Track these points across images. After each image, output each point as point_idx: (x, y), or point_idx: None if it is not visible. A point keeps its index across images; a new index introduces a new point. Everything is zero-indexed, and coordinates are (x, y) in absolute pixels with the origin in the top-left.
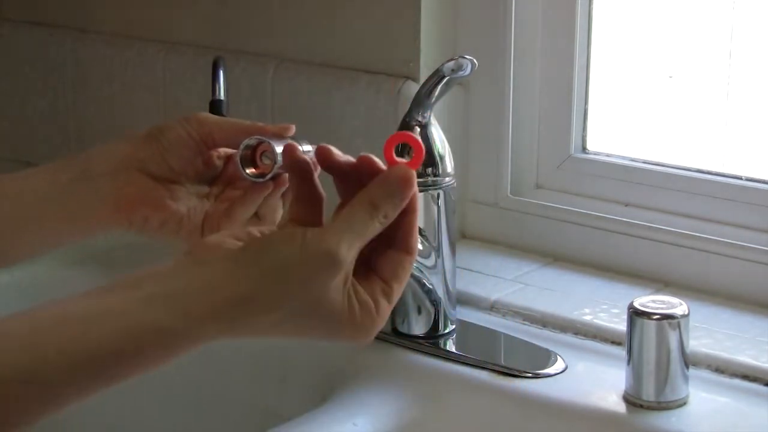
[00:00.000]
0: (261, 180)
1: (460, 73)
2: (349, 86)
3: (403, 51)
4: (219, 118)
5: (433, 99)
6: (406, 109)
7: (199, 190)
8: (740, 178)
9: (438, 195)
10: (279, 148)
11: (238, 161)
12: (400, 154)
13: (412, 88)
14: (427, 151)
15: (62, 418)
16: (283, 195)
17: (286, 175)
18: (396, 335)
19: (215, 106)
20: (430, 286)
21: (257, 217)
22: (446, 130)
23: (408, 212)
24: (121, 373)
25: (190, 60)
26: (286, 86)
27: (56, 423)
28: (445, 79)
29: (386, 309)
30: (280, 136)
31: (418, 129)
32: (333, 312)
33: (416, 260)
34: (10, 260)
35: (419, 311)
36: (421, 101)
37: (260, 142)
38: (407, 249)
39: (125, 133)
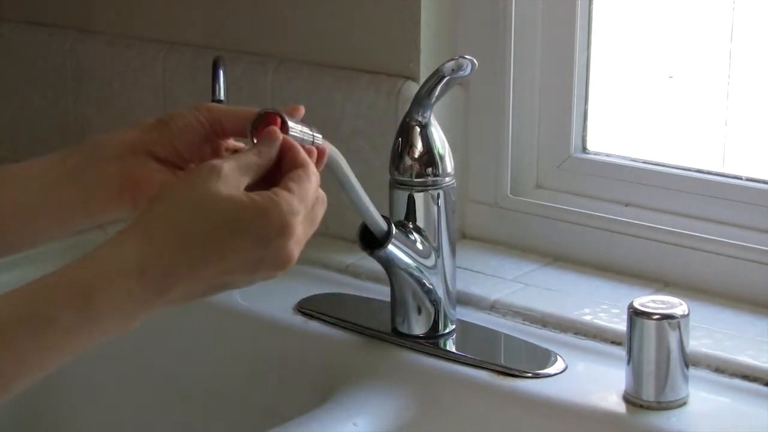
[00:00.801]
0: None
1: (460, 73)
2: (349, 86)
3: (403, 51)
4: (228, 107)
5: (433, 99)
6: (406, 109)
7: None
8: (740, 178)
9: (438, 195)
10: (293, 125)
11: (249, 127)
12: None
13: (412, 88)
14: (427, 151)
15: (62, 418)
16: None
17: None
18: (396, 335)
19: None
20: (430, 286)
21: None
22: (446, 130)
23: (287, 150)
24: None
25: (190, 60)
26: (286, 86)
27: (56, 423)
28: (445, 79)
29: (287, 197)
30: (290, 116)
31: (418, 129)
32: (232, 205)
33: (416, 260)
34: (17, 248)
35: (419, 311)
36: (421, 101)
37: (272, 113)
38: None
39: (136, 121)
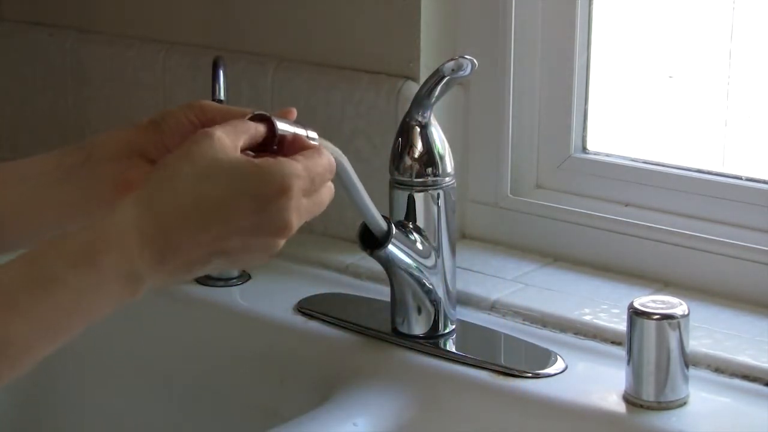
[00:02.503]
0: (263, 149)
1: (460, 73)
2: (349, 86)
3: (403, 51)
4: (221, 106)
5: (433, 99)
6: (406, 109)
7: None
8: (740, 178)
9: (438, 195)
10: (282, 126)
11: None
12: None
13: (412, 88)
14: (427, 151)
15: (62, 418)
16: None
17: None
18: (396, 335)
19: None
20: (430, 286)
21: None
22: (446, 130)
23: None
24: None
25: (190, 60)
26: (286, 86)
27: (56, 423)
28: (445, 79)
29: (291, 162)
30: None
31: (418, 129)
32: (229, 166)
33: (416, 260)
34: (12, 246)
35: (419, 311)
36: (421, 101)
37: (263, 117)
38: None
39: (131, 122)
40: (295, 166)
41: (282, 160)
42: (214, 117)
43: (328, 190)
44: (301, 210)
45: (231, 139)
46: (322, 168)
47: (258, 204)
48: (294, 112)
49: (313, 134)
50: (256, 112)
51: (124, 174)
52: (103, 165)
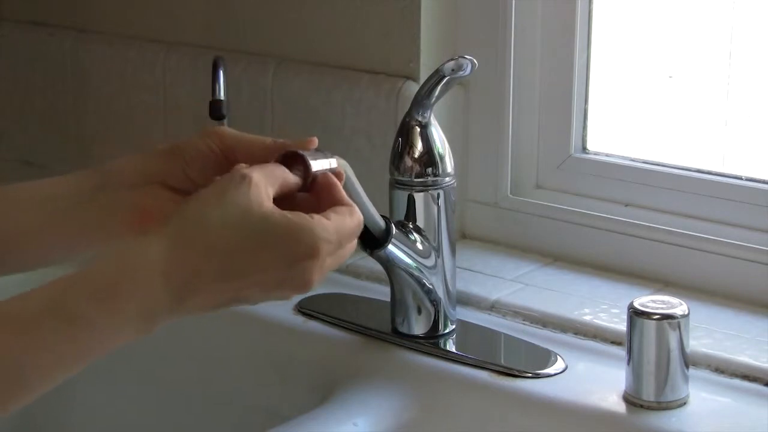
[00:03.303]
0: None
1: (460, 73)
2: (349, 86)
3: (403, 51)
4: (239, 134)
5: (433, 99)
6: (406, 109)
7: None
8: (740, 178)
9: (438, 195)
10: (315, 165)
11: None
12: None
13: (412, 88)
14: (427, 151)
15: (62, 418)
16: None
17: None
18: (396, 335)
19: (215, 106)
20: (430, 286)
21: None
22: (446, 130)
23: (331, 187)
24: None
25: (190, 60)
26: (286, 86)
27: (56, 423)
28: (445, 79)
29: (324, 222)
30: (304, 150)
31: (418, 129)
32: (263, 220)
33: (416, 260)
34: (26, 266)
35: (419, 311)
36: (421, 101)
37: (294, 155)
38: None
39: (145, 147)
40: (326, 230)
41: (314, 221)
42: (233, 145)
43: (351, 247)
44: (324, 268)
45: (265, 187)
46: (350, 230)
47: (285, 262)
48: (315, 141)
49: (333, 159)
50: (289, 150)
51: (142, 202)
52: (122, 192)
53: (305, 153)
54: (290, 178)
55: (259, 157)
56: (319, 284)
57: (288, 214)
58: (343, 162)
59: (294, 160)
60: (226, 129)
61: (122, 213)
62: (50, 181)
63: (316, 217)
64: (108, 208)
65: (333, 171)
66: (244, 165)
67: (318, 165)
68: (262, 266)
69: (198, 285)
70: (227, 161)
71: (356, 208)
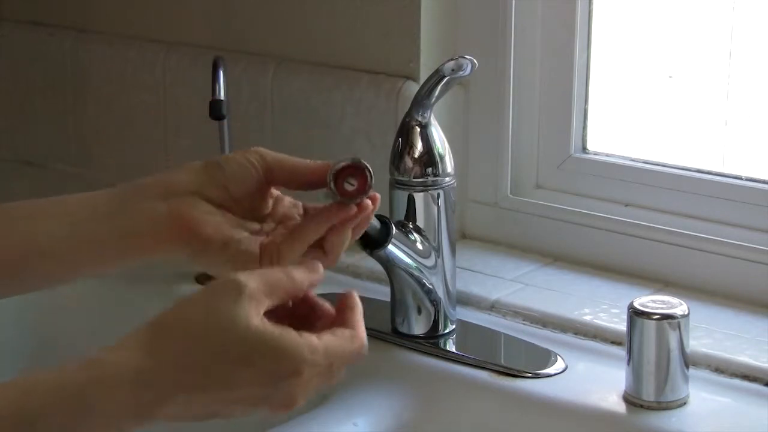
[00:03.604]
0: (353, 200)
1: (460, 73)
2: (349, 86)
3: (403, 51)
4: (279, 155)
5: (433, 99)
6: (406, 109)
7: (251, 226)
8: (740, 178)
9: (438, 195)
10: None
11: (331, 180)
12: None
13: (412, 88)
14: (427, 151)
15: None
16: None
17: (369, 202)
18: (396, 335)
19: (215, 106)
20: (430, 286)
21: (322, 249)
22: (446, 130)
23: (346, 308)
24: None
25: (190, 60)
26: (286, 86)
27: None
28: (445, 79)
29: (313, 344)
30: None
31: (418, 129)
32: (247, 335)
33: (416, 260)
34: (56, 281)
35: (419, 311)
36: (421, 101)
37: (351, 165)
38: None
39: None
40: (314, 351)
41: (301, 342)
42: (273, 166)
43: (343, 370)
44: (310, 388)
45: (260, 300)
46: (346, 354)
47: (266, 381)
48: (378, 198)
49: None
50: (353, 162)
51: (180, 212)
52: (157, 203)
53: (365, 163)
54: (297, 285)
55: (297, 180)
56: (304, 401)
57: (276, 331)
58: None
59: (351, 172)
60: (265, 150)
61: (158, 225)
62: (80, 195)
63: (305, 335)
64: (143, 221)
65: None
66: (242, 274)
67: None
68: (242, 383)
69: (170, 398)
70: (266, 182)
71: (360, 334)
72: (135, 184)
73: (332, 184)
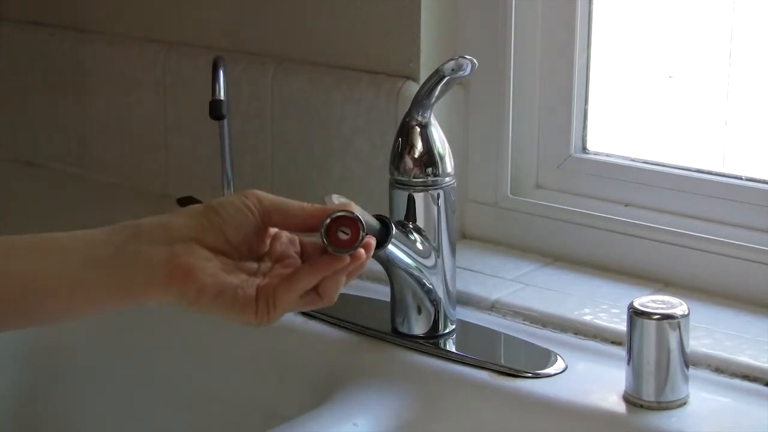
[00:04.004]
0: (345, 252)
1: (460, 73)
2: (349, 86)
3: (403, 51)
4: (276, 198)
5: (433, 99)
6: (406, 109)
7: (248, 267)
8: (740, 178)
9: (438, 195)
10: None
11: (322, 234)
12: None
13: (412, 88)
14: (427, 151)
15: (62, 419)
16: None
17: (362, 251)
18: (396, 335)
19: (215, 106)
20: (430, 286)
21: (317, 293)
22: (446, 130)
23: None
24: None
25: (190, 60)
26: (286, 86)
27: (56, 424)
28: (445, 79)
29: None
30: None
31: (418, 129)
32: None
33: (416, 260)
34: (49, 321)
35: (419, 311)
36: (421, 101)
37: (342, 216)
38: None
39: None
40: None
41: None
42: (270, 208)
43: None
44: None
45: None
46: None
47: None
48: (353, 207)
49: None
50: (341, 213)
51: (179, 260)
52: (157, 249)
53: (357, 214)
54: None
55: (294, 223)
56: None
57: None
58: (345, 200)
59: (344, 222)
60: (262, 193)
61: (156, 271)
62: (76, 233)
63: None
64: (141, 266)
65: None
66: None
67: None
68: None
69: None
70: (263, 225)
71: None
72: (133, 228)
73: (325, 239)
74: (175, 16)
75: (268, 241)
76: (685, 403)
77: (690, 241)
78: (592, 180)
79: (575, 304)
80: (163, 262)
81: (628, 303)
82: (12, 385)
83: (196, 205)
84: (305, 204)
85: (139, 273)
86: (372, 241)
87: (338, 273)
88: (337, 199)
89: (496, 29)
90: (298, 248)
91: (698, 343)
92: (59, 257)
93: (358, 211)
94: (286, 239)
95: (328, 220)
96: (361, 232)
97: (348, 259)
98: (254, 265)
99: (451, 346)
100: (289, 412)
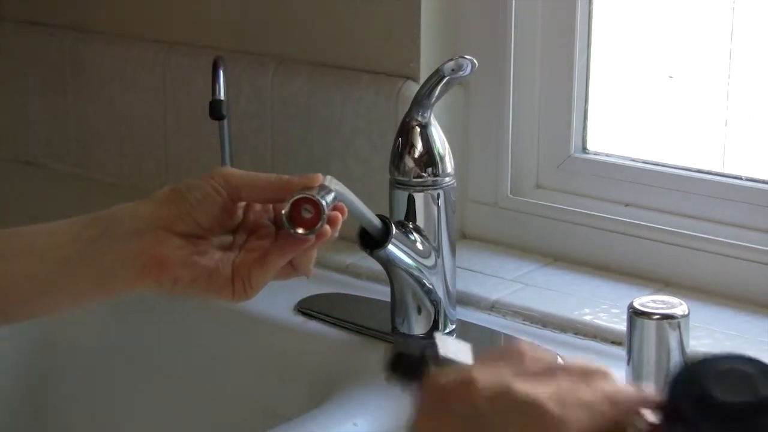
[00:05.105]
0: (308, 234)
1: (460, 73)
2: (349, 86)
3: (403, 51)
4: (243, 173)
5: (433, 99)
6: (406, 109)
7: (223, 241)
8: (740, 178)
9: (438, 195)
10: (322, 202)
11: (285, 219)
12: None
13: (412, 88)
14: (427, 151)
15: (62, 419)
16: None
17: (328, 228)
18: (396, 335)
19: (215, 106)
20: (430, 286)
21: (292, 266)
22: (446, 130)
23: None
24: None
25: (190, 60)
26: (286, 86)
27: (56, 424)
28: (445, 79)
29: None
30: (311, 187)
31: (418, 129)
32: None
33: (416, 260)
34: (24, 317)
35: (419, 311)
36: (421, 101)
37: (303, 197)
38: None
39: (151, 194)
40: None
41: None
42: (238, 185)
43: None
44: None
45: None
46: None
47: None
48: (320, 178)
49: (333, 187)
50: (301, 195)
51: (151, 249)
52: (126, 240)
53: (317, 196)
54: None
55: (264, 196)
56: None
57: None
58: (330, 177)
59: (305, 201)
60: (230, 169)
61: (130, 263)
62: (47, 228)
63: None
64: (114, 260)
65: (336, 206)
66: None
67: (327, 206)
68: None
69: None
70: (233, 202)
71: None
72: (103, 222)
73: (288, 222)
74: (175, 16)
75: (240, 212)
76: None
77: (690, 241)
78: (592, 180)
79: (575, 304)
80: (136, 255)
81: (628, 303)
82: (11, 384)
83: (163, 191)
84: (272, 176)
85: (113, 268)
86: (338, 216)
87: (308, 250)
88: (330, 181)
89: (496, 29)
90: (272, 214)
91: (698, 343)
92: (30, 260)
93: (330, 182)
94: (259, 207)
95: (290, 204)
96: (321, 213)
97: (314, 239)
98: (229, 239)
99: None
100: (289, 412)
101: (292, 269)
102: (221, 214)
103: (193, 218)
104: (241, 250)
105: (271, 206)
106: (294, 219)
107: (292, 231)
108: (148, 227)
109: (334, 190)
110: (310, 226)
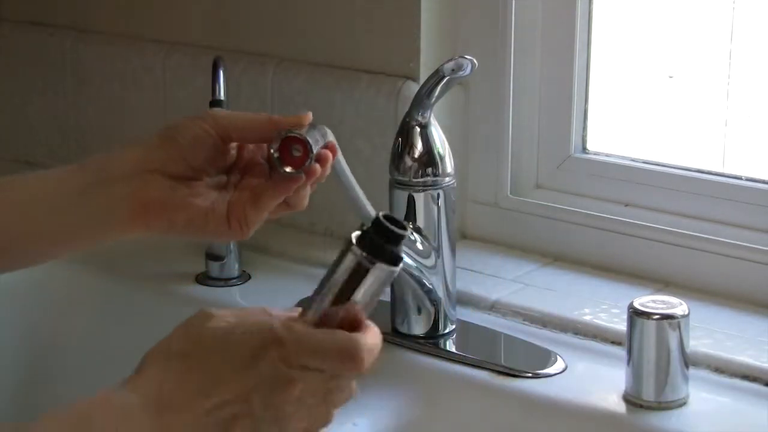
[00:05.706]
0: (297, 174)
1: (460, 73)
2: (349, 86)
3: (403, 51)
4: (232, 114)
5: (433, 99)
6: (406, 109)
7: (217, 181)
8: (740, 178)
9: (438, 195)
10: (310, 140)
11: (274, 158)
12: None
13: (412, 88)
14: (427, 151)
15: None
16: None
17: (317, 165)
18: (396, 335)
19: (215, 106)
20: (430, 286)
21: (286, 204)
22: (446, 130)
23: (352, 321)
24: None
25: (190, 60)
26: (286, 86)
27: None
28: (445, 79)
29: (269, 324)
30: (300, 126)
31: (418, 129)
32: (216, 334)
33: (416, 260)
34: (21, 265)
35: (419, 311)
36: (421, 101)
37: (291, 136)
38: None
39: (136, 138)
40: (275, 329)
41: (273, 315)
42: (227, 125)
43: (340, 393)
44: (310, 385)
45: (228, 320)
46: (323, 346)
47: (243, 362)
48: (309, 117)
49: (327, 133)
50: (288, 134)
51: (142, 192)
52: (118, 186)
53: (305, 135)
54: (261, 323)
55: (254, 137)
56: (306, 387)
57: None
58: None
59: (294, 141)
60: (220, 111)
61: (119, 208)
62: (39, 177)
63: (276, 313)
64: (104, 205)
65: (327, 145)
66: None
67: (316, 144)
68: (228, 379)
69: (171, 408)
70: (223, 143)
71: (358, 353)
72: (92, 167)
73: (276, 161)
74: (175, 16)
75: (233, 152)
76: (685, 403)
77: (690, 241)
78: (592, 180)
79: (575, 304)
80: (125, 199)
81: (628, 303)
82: (10, 384)
83: (155, 136)
84: (262, 116)
85: (103, 214)
86: (327, 154)
87: (300, 189)
88: (329, 134)
89: (496, 29)
90: (265, 152)
91: (698, 343)
92: (26, 205)
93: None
94: (252, 146)
95: (278, 143)
96: (309, 151)
97: (303, 177)
98: (223, 178)
99: (451, 346)
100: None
101: (287, 206)
102: (213, 154)
103: (185, 160)
104: (235, 189)
105: (264, 145)
106: (283, 158)
107: (281, 170)
108: (135, 171)
109: (327, 130)
110: (299, 165)
